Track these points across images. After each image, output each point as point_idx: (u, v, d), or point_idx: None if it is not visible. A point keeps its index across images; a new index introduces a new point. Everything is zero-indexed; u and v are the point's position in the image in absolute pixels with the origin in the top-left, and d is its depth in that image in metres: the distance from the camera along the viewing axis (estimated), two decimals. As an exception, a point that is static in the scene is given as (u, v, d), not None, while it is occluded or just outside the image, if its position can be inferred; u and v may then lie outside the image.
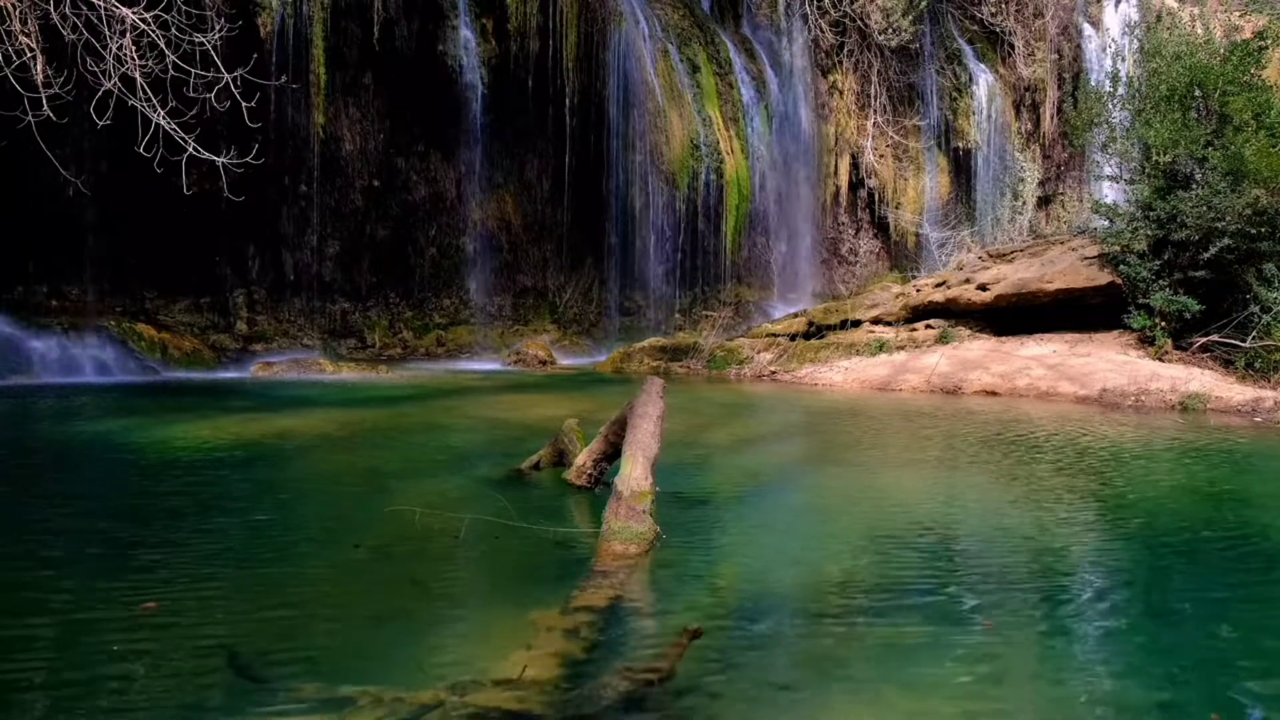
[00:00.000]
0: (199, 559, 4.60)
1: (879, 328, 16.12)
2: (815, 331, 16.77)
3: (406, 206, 19.02)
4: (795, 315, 18.25)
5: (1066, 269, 14.69)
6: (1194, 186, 13.33)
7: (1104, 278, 14.09)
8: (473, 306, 19.72)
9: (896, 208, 24.56)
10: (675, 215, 20.51)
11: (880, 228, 24.87)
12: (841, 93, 24.00)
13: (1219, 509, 6.13)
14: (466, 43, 18.34)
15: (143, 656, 3.37)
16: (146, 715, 2.94)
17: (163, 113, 7.40)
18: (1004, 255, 16.84)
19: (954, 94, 25.32)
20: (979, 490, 6.62)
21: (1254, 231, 12.64)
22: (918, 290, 16.56)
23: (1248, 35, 16.23)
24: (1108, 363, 12.78)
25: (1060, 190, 26.93)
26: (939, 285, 16.26)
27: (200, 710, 2.96)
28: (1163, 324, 13.22)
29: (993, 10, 26.06)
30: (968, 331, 15.21)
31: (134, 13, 7.22)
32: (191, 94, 7.77)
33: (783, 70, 22.96)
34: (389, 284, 19.11)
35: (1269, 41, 14.18)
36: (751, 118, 21.87)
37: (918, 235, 24.55)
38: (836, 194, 24.15)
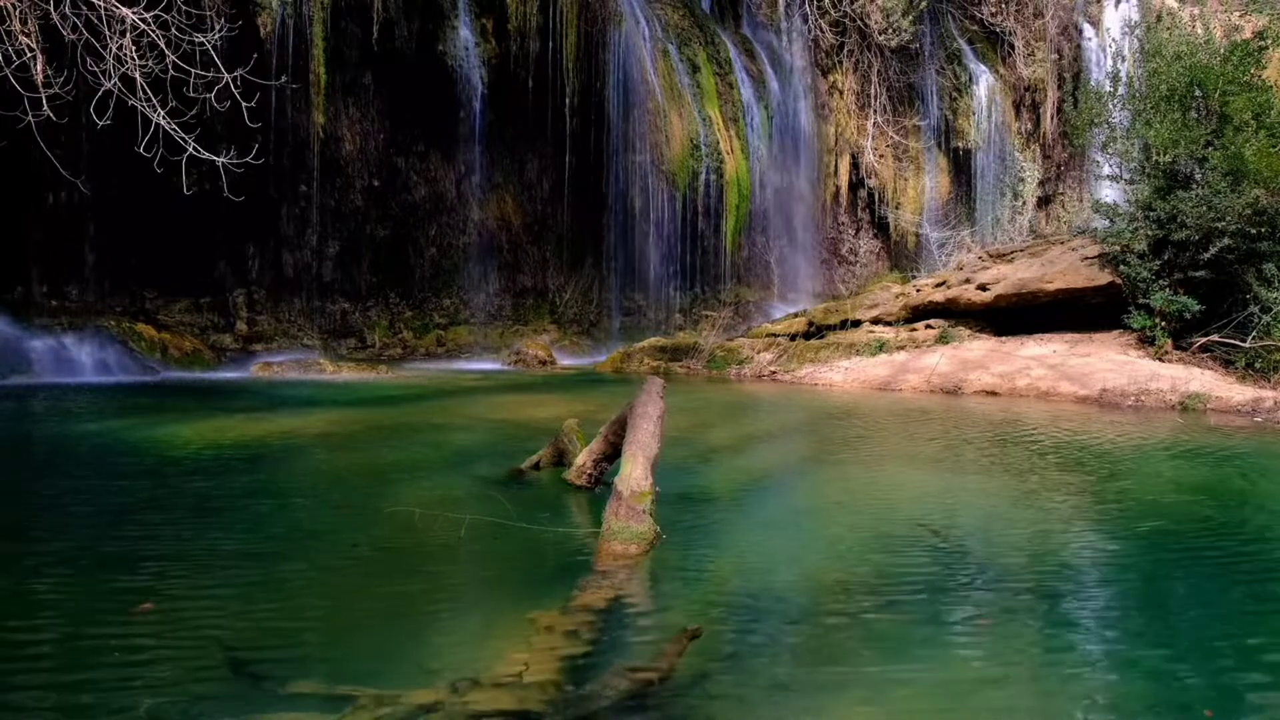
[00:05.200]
0: (197, 559, 4.60)
1: (879, 328, 16.12)
2: (815, 331, 16.77)
3: (406, 206, 19.02)
4: (795, 315, 18.25)
5: (1066, 269, 14.69)
6: (1194, 186, 13.33)
7: (1104, 278, 14.09)
8: (473, 306, 19.72)
9: (896, 208, 24.56)
10: (675, 215, 20.52)
11: (880, 228, 24.87)
12: (841, 93, 24.00)
13: (1218, 508, 6.13)
14: (466, 43, 18.34)
15: (141, 657, 3.37)
16: (145, 715, 2.93)
17: (163, 113, 7.40)
18: (1004, 255, 16.83)
19: (954, 94, 25.32)
20: (978, 490, 6.62)
21: (1254, 231, 12.64)
22: (918, 290, 16.56)
23: (1248, 35, 16.21)
24: (1108, 363, 12.78)
25: (1060, 190, 26.93)
26: (939, 285, 16.26)
27: (199, 710, 2.96)
28: (1163, 324, 13.22)
29: (993, 10, 26.06)
30: (968, 331, 15.21)
31: (134, 13, 7.22)
32: (191, 94, 7.77)
33: (783, 70, 22.96)
34: (389, 284, 19.10)
35: (1269, 41, 14.17)
36: (751, 118, 21.87)
37: (918, 235, 24.54)
38: (836, 194, 24.15)
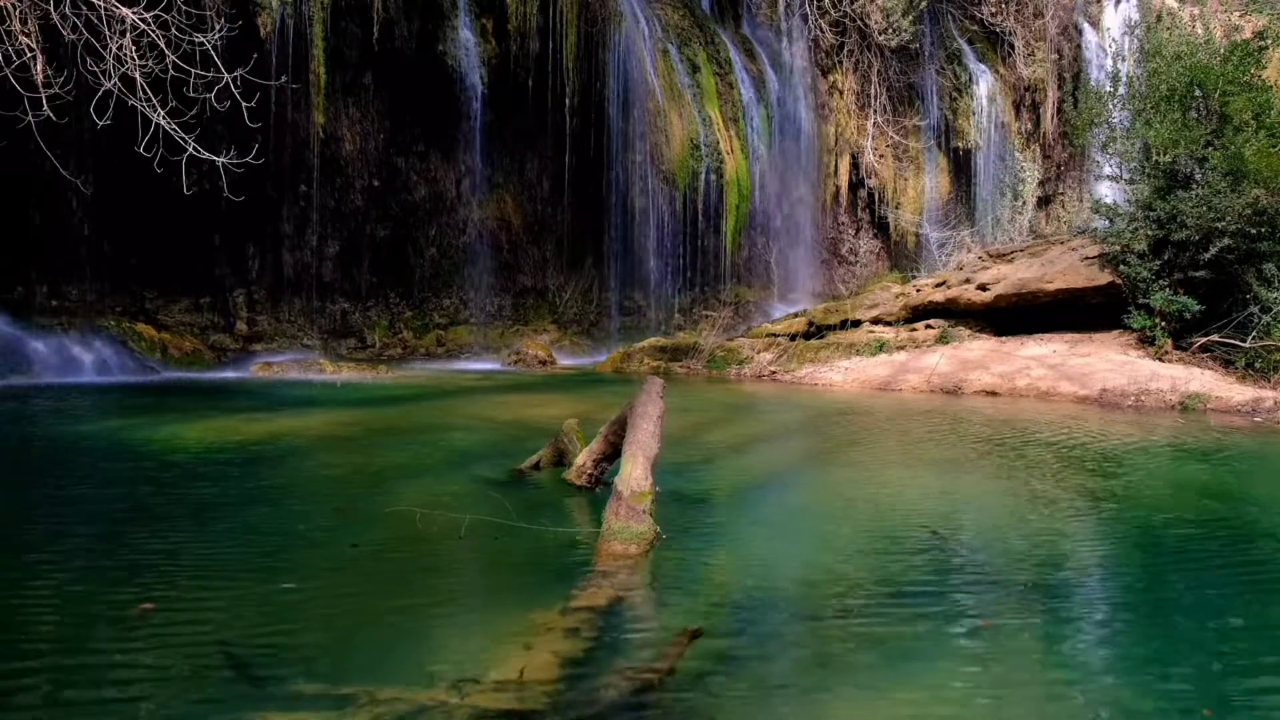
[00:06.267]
0: (197, 559, 4.60)
1: (879, 328, 16.12)
2: (815, 331, 16.77)
3: (406, 206, 19.03)
4: (795, 315, 18.25)
5: (1066, 269, 14.69)
6: (1194, 186, 13.32)
7: (1104, 278, 14.09)
8: (473, 306, 19.73)
9: (896, 208, 24.56)
10: (675, 215, 20.52)
11: (880, 228, 24.87)
12: (841, 93, 24.00)
13: (1218, 509, 6.13)
14: (466, 43, 18.34)
15: (141, 657, 3.37)
16: (145, 716, 2.94)
17: (163, 113, 7.40)
18: (1004, 255, 16.83)
19: (954, 94, 25.32)
20: (979, 490, 6.62)
21: (1254, 231, 12.64)
22: (918, 290, 16.56)
23: (1248, 35, 16.22)
24: (1108, 363, 12.78)
25: (1060, 190, 26.93)
26: (939, 285, 16.26)
27: (199, 711, 2.96)
28: (1163, 324, 13.22)
29: (993, 10, 26.06)
30: (968, 331, 15.21)
31: (134, 13, 7.22)
32: (191, 94, 7.77)
33: (783, 70, 22.96)
34: (389, 284, 19.11)
35: (1269, 41, 14.18)
36: (751, 118, 21.87)
37: (918, 235, 24.55)
38: (836, 194, 24.15)
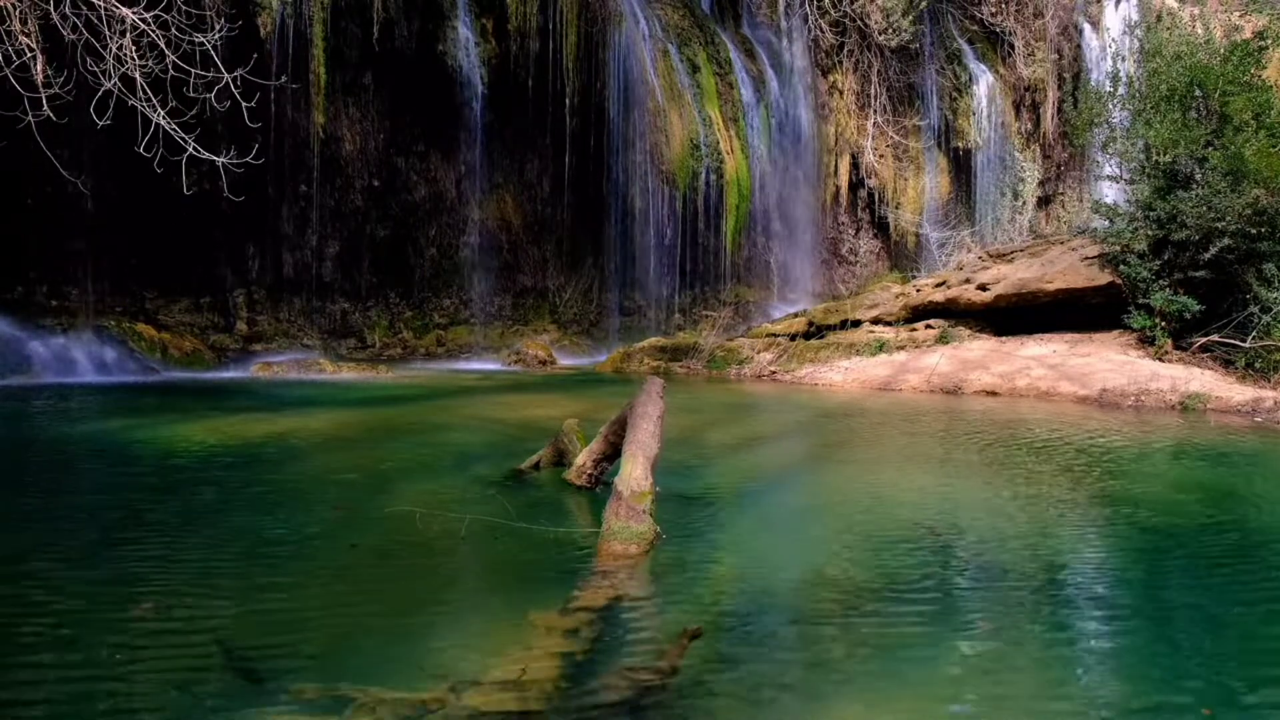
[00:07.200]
0: (197, 560, 4.60)
1: (879, 328, 16.11)
2: (815, 331, 16.77)
3: (406, 206, 19.03)
4: (795, 315, 18.25)
5: (1066, 269, 14.69)
6: (1194, 186, 13.32)
7: (1104, 278, 14.09)
8: (473, 306, 19.73)
9: (896, 208, 24.56)
10: (675, 215, 20.52)
11: (880, 228, 24.87)
12: (841, 93, 24.00)
13: (1218, 509, 6.13)
14: (466, 43, 18.34)
15: (141, 657, 3.37)
16: (146, 716, 2.94)
17: (163, 113, 7.40)
18: (1004, 255, 16.83)
19: (954, 94, 25.32)
20: (978, 490, 6.62)
21: (1254, 231, 12.63)
22: (918, 290, 16.56)
23: (1248, 35, 16.21)
24: (1108, 363, 12.78)
25: (1060, 190, 26.93)
26: (939, 285, 16.26)
27: (199, 711, 2.96)
28: (1163, 324, 13.22)
29: (993, 10, 26.06)
30: (968, 331, 15.21)
31: (134, 13, 7.22)
32: (191, 94, 7.77)
33: (783, 70, 22.96)
34: (389, 284, 19.11)
35: (1269, 41, 14.17)
36: (751, 118, 21.87)
37: (918, 235, 24.54)
38: (836, 194, 24.15)
